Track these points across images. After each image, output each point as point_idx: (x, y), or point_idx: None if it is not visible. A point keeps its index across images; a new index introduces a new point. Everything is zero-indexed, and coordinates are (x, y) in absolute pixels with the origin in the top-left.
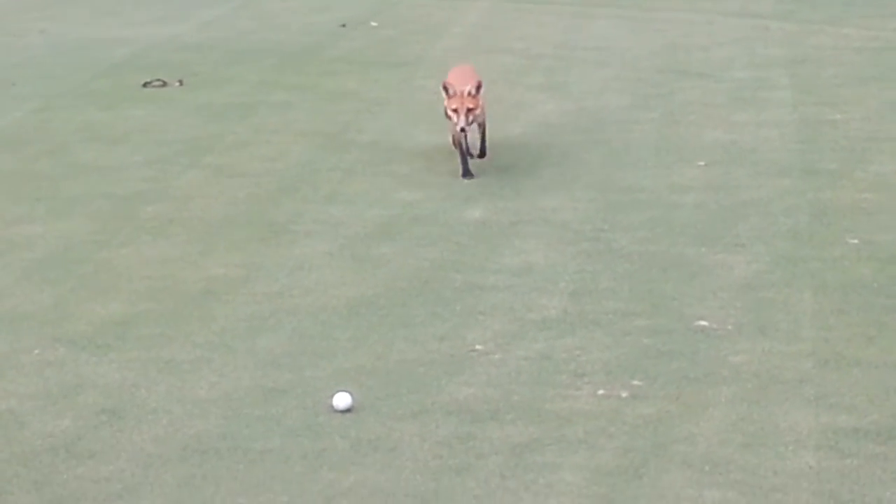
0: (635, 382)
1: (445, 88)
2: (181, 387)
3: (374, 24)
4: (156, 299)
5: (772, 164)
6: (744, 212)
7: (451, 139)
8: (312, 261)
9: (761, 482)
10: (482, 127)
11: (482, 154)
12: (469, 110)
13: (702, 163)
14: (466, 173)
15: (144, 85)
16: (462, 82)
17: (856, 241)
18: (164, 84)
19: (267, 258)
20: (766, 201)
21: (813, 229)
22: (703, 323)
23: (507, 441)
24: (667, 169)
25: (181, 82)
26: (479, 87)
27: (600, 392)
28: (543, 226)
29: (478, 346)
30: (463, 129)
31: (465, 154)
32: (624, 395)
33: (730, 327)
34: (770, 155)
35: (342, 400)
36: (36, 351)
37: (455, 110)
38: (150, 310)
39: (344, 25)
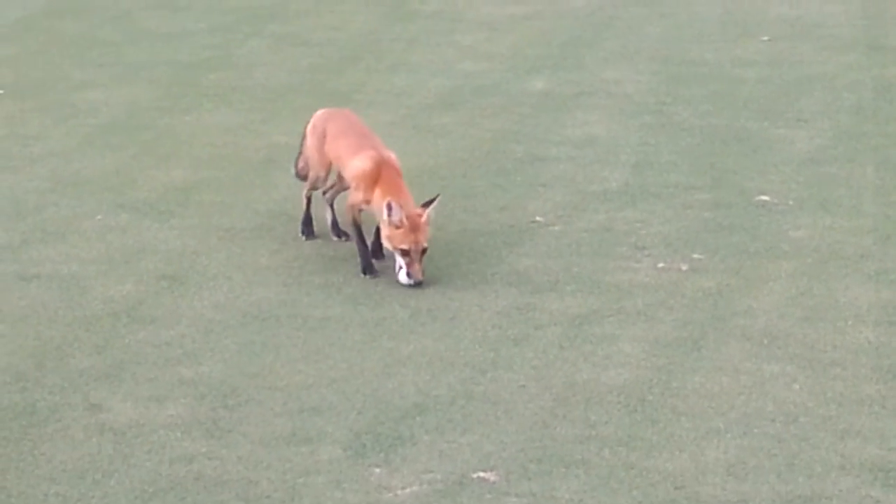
0: (695, 256)
1: (390, 208)
2: (241, 254)
3: None
4: (218, 167)
5: (836, 40)
6: (807, 87)
7: (349, 217)
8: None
9: (820, 356)
10: None
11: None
12: (424, 252)
13: (766, 37)
14: (368, 268)
15: None
16: (351, 140)
17: None
18: None
19: None
20: (829, 76)
21: (877, 105)
22: (765, 197)
23: (566, 312)
24: (731, 43)
25: None
26: (431, 203)
27: (660, 265)
28: (606, 98)
29: (538, 218)
30: (419, 283)
31: (366, 243)
32: (684, 268)
33: (791, 202)
34: (835, 30)
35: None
36: (98, 216)
37: (406, 252)
38: (212, 177)
39: None
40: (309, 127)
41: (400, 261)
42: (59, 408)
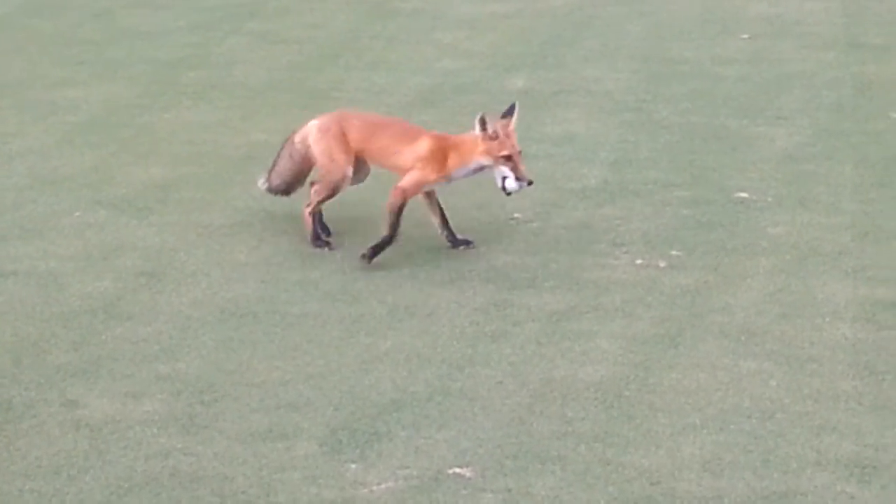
0: (674, 252)
1: (483, 121)
2: (220, 251)
3: None
4: (197, 164)
5: (816, 38)
6: (787, 84)
7: (399, 201)
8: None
9: (797, 353)
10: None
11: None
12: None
13: (746, 35)
14: (373, 255)
15: None
16: (394, 129)
17: None
18: None
19: None
20: (809, 74)
21: (856, 103)
22: (744, 194)
23: (544, 308)
24: (710, 41)
25: None
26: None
27: (638, 261)
28: (585, 96)
29: (517, 215)
30: (531, 183)
31: (395, 232)
32: (662, 264)
33: (770, 199)
34: (815, 28)
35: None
36: (77, 213)
37: (509, 157)
38: (191, 174)
39: None
40: (312, 137)
41: (504, 170)
42: (35, 404)
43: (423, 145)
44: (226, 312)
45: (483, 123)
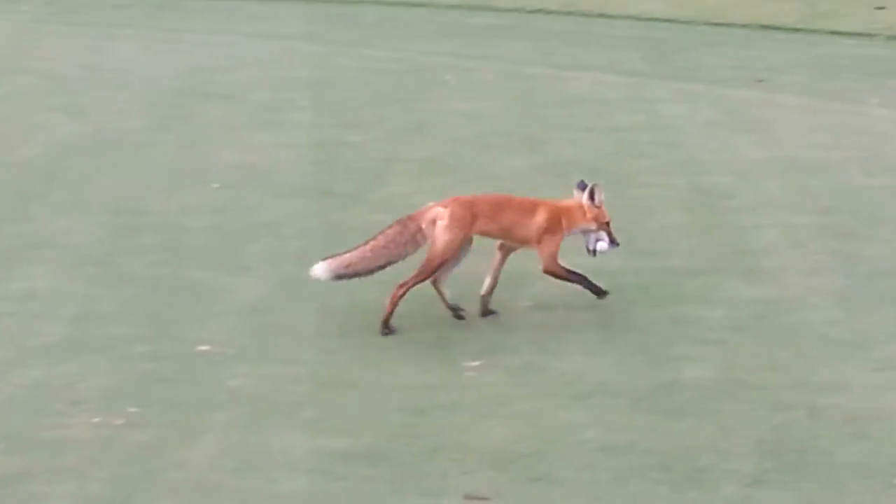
0: (131, 409)
1: (592, 192)
2: None
3: None
4: None
5: (286, 186)
6: (255, 234)
7: (557, 268)
8: None
9: None
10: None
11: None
12: None
13: (216, 185)
14: (600, 290)
15: None
16: (515, 203)
17: None
18: None
19: None
20: (277, 223)
21: (323, 250)
22: (205, 347)
23: None
24: (180, 191)
25: None
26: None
27: (95, 420)
28: (52, 250)
29: None
30: (610, 249)
31: (581, 274)
32: (119, 422)
33: (231, 351)
34: (285, 176)
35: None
36: None
37: (608, 223)
38: None
39: None
40: (443, 223)
41: (600, 234)
42: None
43: (542, 216)
44: None
45: (592, 194)
